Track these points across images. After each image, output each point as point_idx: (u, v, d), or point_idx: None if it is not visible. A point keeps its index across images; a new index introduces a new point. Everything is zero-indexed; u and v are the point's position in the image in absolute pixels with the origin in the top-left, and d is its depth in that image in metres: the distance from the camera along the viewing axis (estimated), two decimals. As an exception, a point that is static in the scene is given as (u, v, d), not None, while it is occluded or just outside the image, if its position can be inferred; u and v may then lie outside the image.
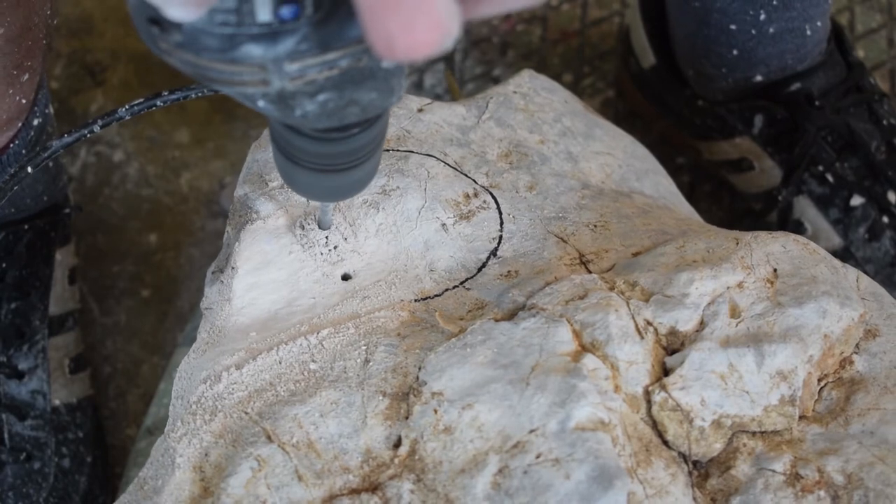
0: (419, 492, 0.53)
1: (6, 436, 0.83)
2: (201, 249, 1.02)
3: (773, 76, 0.93)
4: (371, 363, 0.58)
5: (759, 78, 0.93)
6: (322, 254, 0.63)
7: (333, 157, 0.50)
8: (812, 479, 0.54)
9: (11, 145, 0.81)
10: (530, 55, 1.15)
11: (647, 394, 0.55)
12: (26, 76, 0.78)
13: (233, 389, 0.57)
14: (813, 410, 0.58)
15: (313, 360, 0.58)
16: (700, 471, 0.56)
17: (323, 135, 0.48)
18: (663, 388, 0.55)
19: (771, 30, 0.89)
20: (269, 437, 0.55)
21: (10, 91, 0.78)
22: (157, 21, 0.38)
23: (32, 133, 0.82)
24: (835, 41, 0.95)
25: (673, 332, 0.58)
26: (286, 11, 0.38)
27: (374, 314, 0.61)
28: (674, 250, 0.62)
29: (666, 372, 0.57)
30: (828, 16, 0.92)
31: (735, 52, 0.91)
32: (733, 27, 0.90)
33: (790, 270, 0.60)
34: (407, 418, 0.55)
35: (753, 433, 0.56)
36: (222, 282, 0.63)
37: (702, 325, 0.58)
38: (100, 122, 0.65)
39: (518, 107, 0.74)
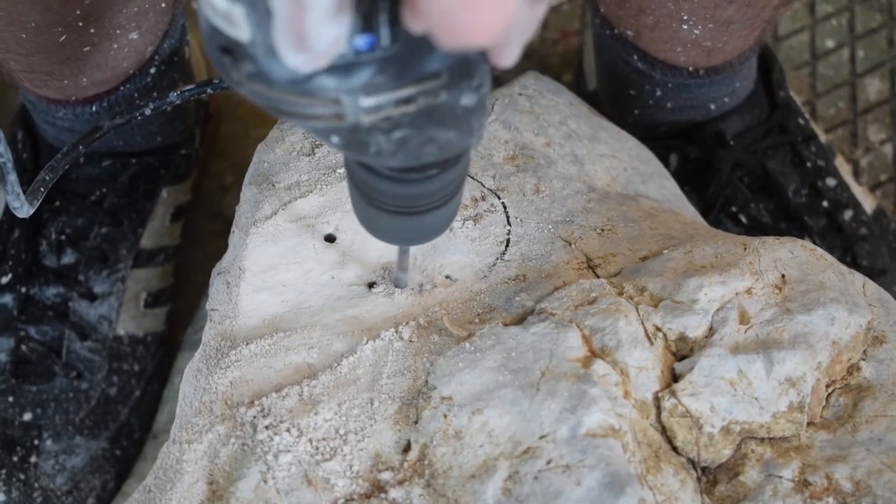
0: (429, 497, 0.53)
1: (64, 351, 0.85)
2: (201, 249, 1.01)
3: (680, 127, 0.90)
4: (379, 366, 0.58)
5: (664, 129, 0.91)
6: (327, 256, 0.63)
7: (411, 198, 0.48)
8: (821, 486, 0.54)
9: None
10: (530, 55, 1.15)
11: (657, 400, 0.55)
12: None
13: (240, 392, 0.57)
14: (821, 417, 0.58)
15: (321, 363, 0.58)
16: (708, 477, 0.56)
17: (401, 175, 0.46)
18: (673, 394, 0.55)
19: (669, 105, 0.87)
20: (277, 441, 0.55)
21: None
22: (229, 50, 0.37)
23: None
24: (762, 79, 0.91)
25: (682, 339, 0.57)
26: (361, 42, 0.36)
27: (381, 317, 0.60)
28: (682, 255, 0.62)
29: (675, 378, 0.57)
30: (749, 79, 0.89)
31: (637, 111, 0.89)
32: (632, 93, 0.88)
33: (798, 276, 0.60)
34: (416, 423, 0.55)
35: (762, 440, 0.56)
36: (228, 283, 0.63)
37: (711, 331, 0.58)
38: (150, 106, 0.66)
39: (524, 109, 0.73)
